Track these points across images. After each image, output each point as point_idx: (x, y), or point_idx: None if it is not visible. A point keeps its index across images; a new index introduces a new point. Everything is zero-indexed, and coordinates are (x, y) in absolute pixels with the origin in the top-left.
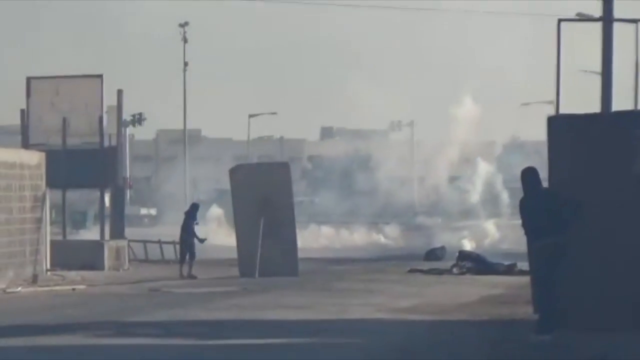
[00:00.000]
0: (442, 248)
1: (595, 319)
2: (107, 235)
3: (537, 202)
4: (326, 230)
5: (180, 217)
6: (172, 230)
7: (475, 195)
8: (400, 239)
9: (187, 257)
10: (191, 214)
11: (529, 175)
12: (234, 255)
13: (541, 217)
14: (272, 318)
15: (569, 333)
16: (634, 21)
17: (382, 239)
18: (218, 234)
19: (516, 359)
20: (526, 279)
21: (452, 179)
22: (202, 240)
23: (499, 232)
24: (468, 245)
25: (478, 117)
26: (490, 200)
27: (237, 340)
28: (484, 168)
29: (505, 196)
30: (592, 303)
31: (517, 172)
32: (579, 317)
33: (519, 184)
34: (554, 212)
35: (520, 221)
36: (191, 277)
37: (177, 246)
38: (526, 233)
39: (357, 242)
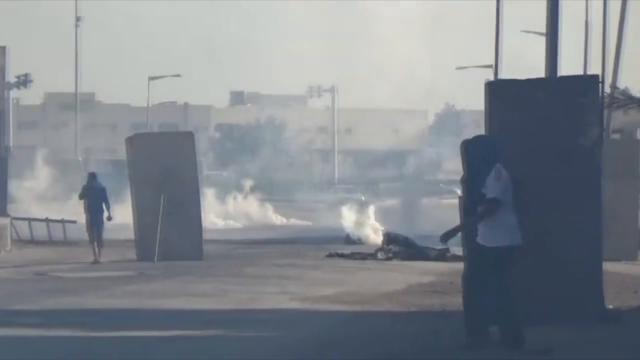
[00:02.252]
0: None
1: (536, 311)
2: None
3: (481, 179)
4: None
5: (71, 192)
6: (61, 207)
7: None
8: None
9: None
10: (100, 185)
11: (472, 147)
12: (131, 235)
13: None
14: (173, 307)
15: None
16: None
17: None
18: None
19: (446, 356)
20: (460, 266)
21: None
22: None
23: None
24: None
25: None
26: None
27: (132, 332)
28: None
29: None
30: (535, 292)
31: (453, 143)
32: (523, 308)
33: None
34: (497, 189)
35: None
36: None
37: (65, 225)
38: (466, 213)
39: (266, 221)
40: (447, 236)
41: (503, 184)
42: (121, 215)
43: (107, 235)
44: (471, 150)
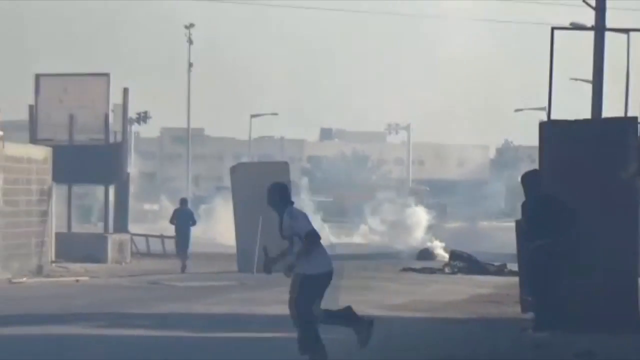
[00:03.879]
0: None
1: (581, 320)
2: (111, 229)
3: (536, 205)
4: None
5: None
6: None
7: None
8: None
9: (185, 250)
10: (189, 210)
11: (530, 178)
12: (219, 249)
13: (538, 219)
14: (269, 313)
15: (559, 333)
16: (626, 31)
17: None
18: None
19: (500, 357)
20: (515, 280)
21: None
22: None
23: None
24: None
25: None
26: None
27: (232, 333)
28: None
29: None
30: (580, 304)
31: (510, 175)
32: (568, 317)
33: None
34: (550, 215)
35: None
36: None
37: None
38: (523, 234)
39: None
40: (267, 267)
41: (304, 219)
42: (216, 232)
43: (211, 249)
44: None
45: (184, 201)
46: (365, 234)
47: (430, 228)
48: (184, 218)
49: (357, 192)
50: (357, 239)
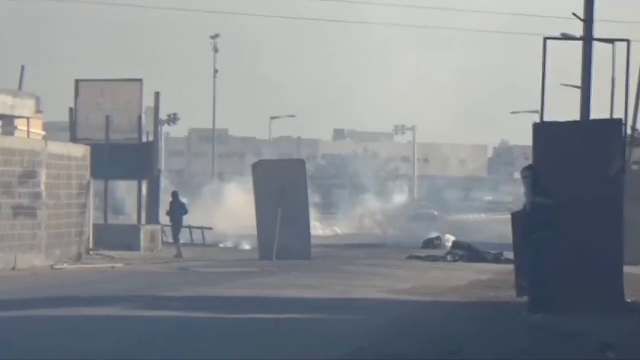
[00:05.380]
0: (438, 238)
1: (572, 304)
2: (143, 220)
3: (535, 199)
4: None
5: (205, 206)
6: (200, 217)
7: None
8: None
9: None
10: (181, 202)
11: (530, 173)
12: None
13: (538, 213)
14: (287, 296)
15: (551, 315)
16: (611, 41)
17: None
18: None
19: (498, 336)
20: (511, 267)
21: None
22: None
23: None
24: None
25: None
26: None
27: (255, 314)
28: None
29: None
30: (571, 289)
31: (506, 172)
32: (560, 301)
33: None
34: (547, 209)
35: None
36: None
37: (204, 231)
38: (525, 225)
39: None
40: None
41: None
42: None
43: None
44: None
45: (175, 194)
46: (351, 223)
47: (435, 219)
48: (177, 209)
49: (361, 186)
50: (339, 229)
